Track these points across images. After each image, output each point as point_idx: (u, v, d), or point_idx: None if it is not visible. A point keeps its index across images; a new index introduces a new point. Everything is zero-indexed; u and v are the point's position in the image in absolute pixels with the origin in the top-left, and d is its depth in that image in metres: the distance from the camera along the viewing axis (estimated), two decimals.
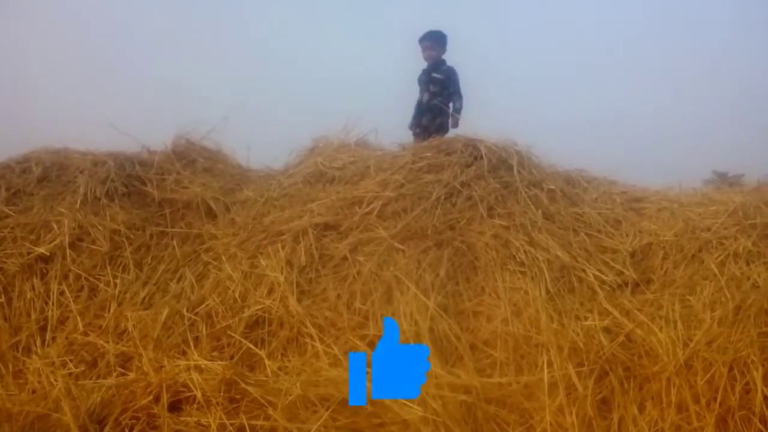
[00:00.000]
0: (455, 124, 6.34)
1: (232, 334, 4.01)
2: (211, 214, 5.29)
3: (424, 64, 6.67)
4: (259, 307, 4.18)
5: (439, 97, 6.47)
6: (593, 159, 5.69)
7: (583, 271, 4.32)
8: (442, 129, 6.39)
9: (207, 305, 4.26)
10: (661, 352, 3.74)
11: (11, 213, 4.87)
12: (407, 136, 6.56)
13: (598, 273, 4.28)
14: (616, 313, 4.01)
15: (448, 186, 4.87)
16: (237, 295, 4.31)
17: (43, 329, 4.24)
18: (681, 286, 4.25)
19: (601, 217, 4.82)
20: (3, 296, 4.37)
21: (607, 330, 3.91)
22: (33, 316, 4.28)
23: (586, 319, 3.99)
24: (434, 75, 6.55)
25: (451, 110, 6.39)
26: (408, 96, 6.74)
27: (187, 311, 4.20)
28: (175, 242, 4.94)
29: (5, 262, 4.51)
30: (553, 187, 5.01)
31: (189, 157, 5.84)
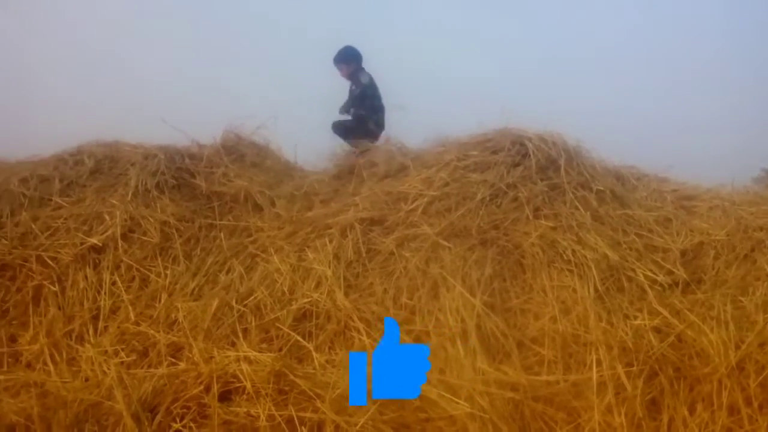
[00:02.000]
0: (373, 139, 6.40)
1: (281, 327, 4.04)
2: (257, 208, 5.33)
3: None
4: (306, 300, 4.21)
5: (360, 111, 6.55)
6: (644, 155, 5.60)
7: (633, 270, 4.27)
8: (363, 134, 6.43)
9: (255, 297, 4.30)
10: (712, 353, 3.69)
11: (65, 204, 4.97)
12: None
13: (648, 272, 4.23)
14: (666, 312, 3.96)
15: (493, 187, 4.84)
16: (285, 288, 4.35)
17: (95, 318, 4.32)
18: (733, 286, 4.19)
19: (651, 216, 4.76)
20: (57, 285, 4.44)
21: (657, 330, 3.86)
22: (86, 306, 4.36)
23: (635, 318, 3.94)
24: (352, 88, 6.66)
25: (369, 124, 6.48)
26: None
27: (236, 303, 4.25)
28: (222, 234, 4.99)
29: (59, 252, 4.59)
30: (602, 187, 4.94)
31: (238, 152, 5.90)
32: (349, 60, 6.63)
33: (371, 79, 6.60)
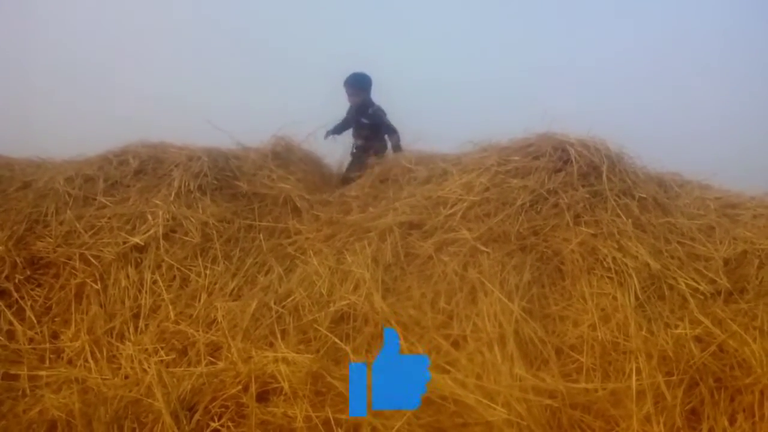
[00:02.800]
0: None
1: (319, 328, 4.06)
2: (297, 211, 5.37)
3: None
4: (344, 302, 4.22)
5: (372, 141, 6.59)
6: (686, 161, 5.53)
7: (674, 279, 4.21)
8: None
9: (294, 298, 4.32)
10: (754, 363, 3.64)
11: (108, 203, 5.04)
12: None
13: (690, 281, 4.18)
14: (707, 322, 3.90)
15: (534, 193, 4.81)
16: (323, 290, 4.37)
17: (136, 316, 4.37)
18: None
19: (694, 224, 4.70)
20: (99, 283, 4.51)
21: (698, 339, 3.81)
22: (127, 304, 4.41)
23: (676, 327, 3.89)
24: (362, 120, 6.63)
25: (390, 148, 6.51)
26: None
27: (275, 304, 4.27)
28: (262, 236, 5.03)
29: (102, 251, 4.66)
30: (644, 195, 4.89)
31: (283, 157, 5.96)
32: (366, 87, 6.61)
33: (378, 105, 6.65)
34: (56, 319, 4.40)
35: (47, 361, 4.12)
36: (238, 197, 5.37)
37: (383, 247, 4.67)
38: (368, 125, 6.58)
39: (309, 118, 6.28)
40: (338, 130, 6.82)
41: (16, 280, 4.52)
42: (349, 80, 6.56)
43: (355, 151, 6.70)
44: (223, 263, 4.73)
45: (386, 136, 6.56)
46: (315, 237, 5.01)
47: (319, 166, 6.49)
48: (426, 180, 5.37)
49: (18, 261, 4.58)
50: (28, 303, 4.44)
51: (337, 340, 3.97)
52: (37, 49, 9.43)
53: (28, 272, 4.58)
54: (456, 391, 3.44)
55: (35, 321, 4.36)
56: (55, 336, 4.32)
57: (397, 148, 6.38)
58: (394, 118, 6.51)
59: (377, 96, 6.64)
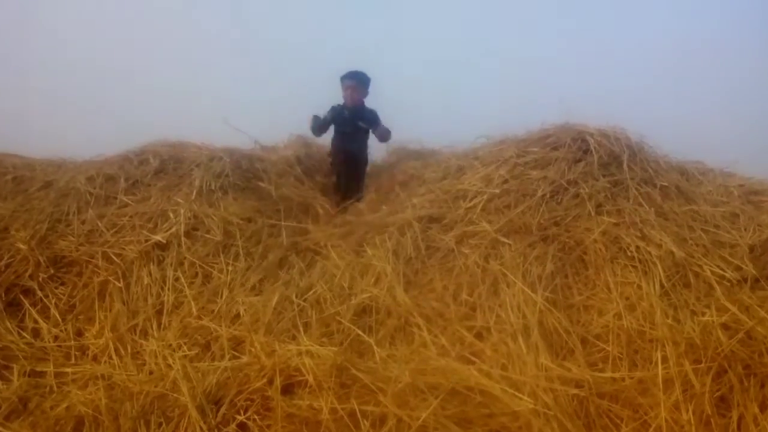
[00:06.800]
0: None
1: (342, 321, 4.05)
2: (317, 215, 5.47)
3: None
4: (366, 295, 4.21)
5: (366, 147, 6.40)
6: (708, 149, 5.47)
7: (700, 266, 4.16)
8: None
9: (315, 292, 4.32)
10: None
11: (130, 202, 5.07)
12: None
13: (715, 268, 4.12)
14: (734, 309, 3.84)
15: (554, 184, 4.79)
16: (345, 284, 4.36)
17: (159, 313, 4.37)
18: None
19: (718, 211, 4.65)
20: (122, 281, 4.52)
21: (725, 326, 3.75)
22: (150, 301, 4.42)
23: (703, 314, 3.84)
24: (360, 124, 6.25)
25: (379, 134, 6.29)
26: None
27: (297, 297, 4.27)
28: (284, 234, 5.04)
29: (124, 249, 4.68)
30: (666, 183, 4.84)
31: (300, 154, 5.98)
32: (366, 86, 6.26)
33: None
34: (80, 317, 4.41)
35: (73, 359, 4.14)
36: (261, 197, 5.40)
37: (403, 240, 4.67)
38: (365, 129, 6.27)
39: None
40: (323, 129, 6.32)
41: (40, 279, 4.55)
42: (355, 74, 6.18)
43: (343, 158, 6.30)
44: (245, 260, 4.74)
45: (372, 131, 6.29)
46: (334, 233, 5.01)
47: None
48: (442, 177, 5.35)
49: (41, 260, 4.61)
50: (53, 301, 4.46)
51: (360, 333, 3.97)
52: (48, 48, 9.49)
53: (52, 271, 4.61)
54: (481, 382, 3.42)
55: (60, 319, 4.38)
56: (79, 333, 4.33)
57: (385, 135, 6.25)
58: (404, 112, 6.46)
59: (387, 91, 6.55)
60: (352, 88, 6.14)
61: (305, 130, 6.40)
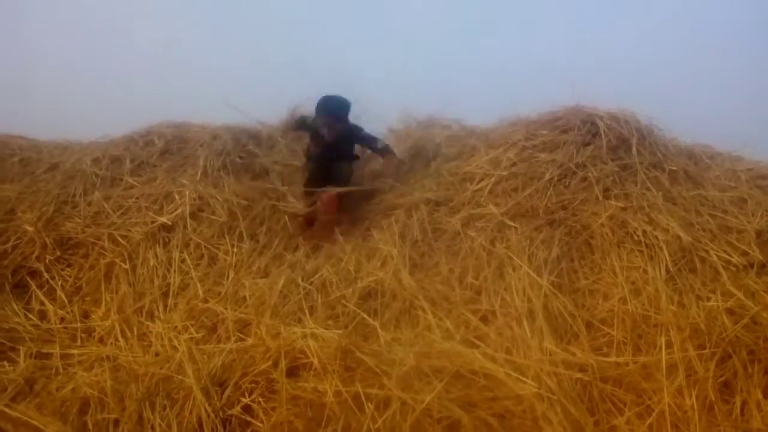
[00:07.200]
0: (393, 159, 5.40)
1: (347, 304, 4.06)
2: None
3: None
4: (372, 278, 4.21)
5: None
6: (716, 133, 5.42)
7: (706, 251, 4.14)
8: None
9: (321, 275, 4.32)
10: None
11: (136, 183, 5.08)
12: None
13: (722, 253, 4.10)
14: (740, 294, 3.82)
15: (562, 167, 4.76)
16: (351, 267, 4.37)
17: (165, 295, 4.38)
18: None
19: (726, 196, 4.62)
20: (128, 263, 4.54)
21: (730, 312, 3.74)
22: (156, 283, 4.43)
23: (708, 299, 3.83)
24: (352, 152, 5.37)
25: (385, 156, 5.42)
26: None
27: (302, 281, 4.27)
28: (287, 216, 5.03)
29: (130, 231, 4.69)
30: (675, 167, 4.81)
31: (300, 131, 5.94)
32: (347, 113, 5.17)
33: None
34: (86, 299, 4.43)
35: (79, 340, 4.16)
36: (262, 175, 5.38)
37: (410, 223, 4.66)
38: (363, 134, 5.28)
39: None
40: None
41: (47, 261, 4.58)
42: (328, 110, 5.08)
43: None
44: (250, 242, 4.74)
45: (369, 149, 5.51)
46: (340, 217, 5.01)
47: None
48: (455, 156, 5.33)
49: (48, 242, 4.63)
50: (59, 283, 4.49)
51: (365, 316, 3.97)
52: (50, 31, 9.47)
53: (58, 253, 4.63)
54: (486, 365, 3.42)
55: (66, 301, 4.41)
56: (85, 315, 4.36)
57: (388, 150, 5.35)
58: (426, 90, 6.30)
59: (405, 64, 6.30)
60: (329, 126, 5.07)
61: (306, 103, 6.24)
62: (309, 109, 5.68)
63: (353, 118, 5.23)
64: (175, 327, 4.10)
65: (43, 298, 4.40)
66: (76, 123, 6.17)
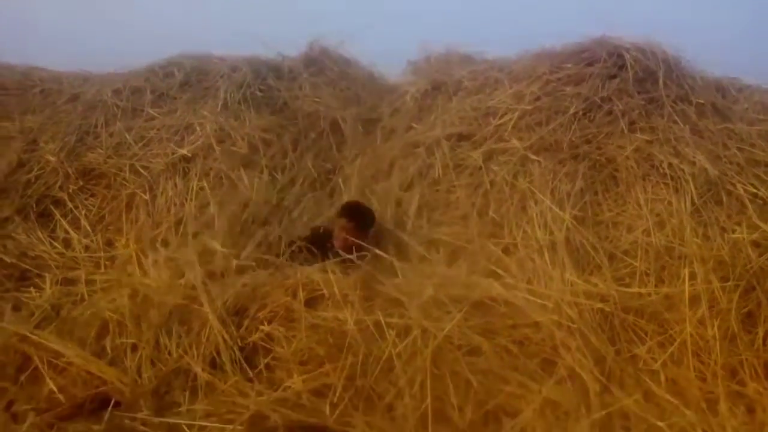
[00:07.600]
0: None
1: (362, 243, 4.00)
2: (338, 130, 5.34)
3: None
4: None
5: None
6: (746, 65, 5.28)
7: (733, 184, 4.07)
8: None
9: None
10: None
11: (157, 115, 5.05)
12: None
13: (748, 186, 4.04)
14: (765, 227, 3.78)
15: (587, 101, 4.67)
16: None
17: (179, 224, 4.38)
18: None
19: (754, 129, 4.52)
20: (148, 193, 4.55)
21: (755, 244, 3.70)
22: (172, 212, 4.44)
23: (733, 232, 3.79)
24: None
25: None
26: None
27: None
28: (309, 154, 5.01)
29: (151, 162, 4.69)
30: (702, 100, 4.70)
31: (321, 65, 5.87)
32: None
33: None
34: (110, 228, 4.46)
35: (102, 268, 4.20)
36: (283, 109, 5.33)
37: (431, 161, 4.61)
38: None
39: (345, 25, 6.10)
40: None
41: (70, 191, 4.59)
42: (356, 212, 4.18)
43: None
44: (269, 175, 4.72)
45: None
46: (362, 151, 4.97)
47: (358, 74, 6.19)
48: (478, 90, 5.24)
49: (70, 172, 4.65)
50: (82, 212, 4.51)
51: (381, 253, 3.84)
52: None
53: (81, 183, 4.65)
54: (504, 294, 3.41)
55: (90, 230, 4.43)
56: (109, 244, 4.39)
57: None
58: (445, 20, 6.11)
59: None
60: (348, 229, 4.10)
61: (327, 35, 6.18)
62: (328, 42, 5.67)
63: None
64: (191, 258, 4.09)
65: (67, 226, 4.43)
66: (96, 55, 6.14)
